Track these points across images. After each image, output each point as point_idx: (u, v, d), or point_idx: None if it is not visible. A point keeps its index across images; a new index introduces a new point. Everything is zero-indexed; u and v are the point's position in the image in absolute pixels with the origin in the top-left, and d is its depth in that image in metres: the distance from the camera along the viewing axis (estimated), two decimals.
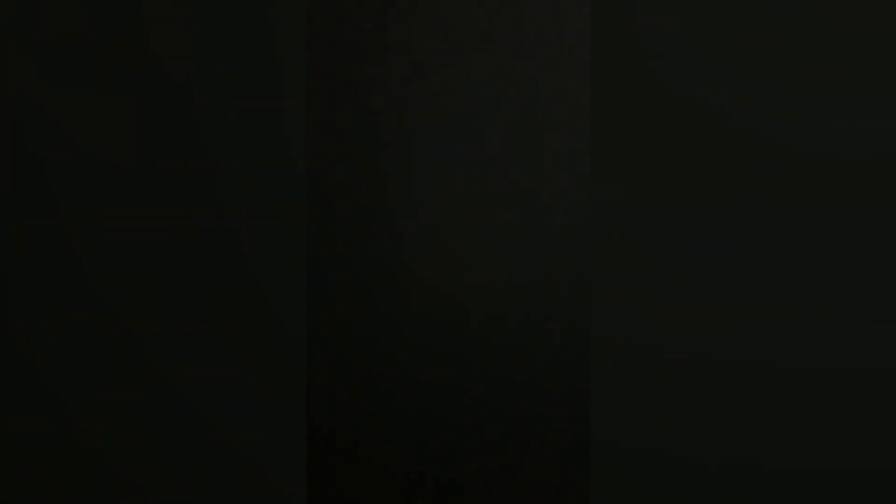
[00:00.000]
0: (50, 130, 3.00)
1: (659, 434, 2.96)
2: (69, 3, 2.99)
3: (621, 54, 2.99)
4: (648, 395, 2.97)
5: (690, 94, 2.98)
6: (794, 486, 2.95)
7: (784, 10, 2.97)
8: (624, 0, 2.99)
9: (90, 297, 3.01)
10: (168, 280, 3.00)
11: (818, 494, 2.94)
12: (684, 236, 2.97)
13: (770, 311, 2.96)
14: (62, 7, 2.99)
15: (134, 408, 3.00)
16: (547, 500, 3.02)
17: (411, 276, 3.03)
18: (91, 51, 3.00)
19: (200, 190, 3.00)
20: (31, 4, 2.99)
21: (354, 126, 3.06)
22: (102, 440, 3.00)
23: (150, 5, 3.01)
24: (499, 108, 3.03)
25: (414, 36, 3.06)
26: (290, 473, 3.00)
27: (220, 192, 2.99)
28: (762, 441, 2.96)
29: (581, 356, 3.02)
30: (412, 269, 3.04)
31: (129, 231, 3.01)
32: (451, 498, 3.03)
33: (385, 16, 3.06)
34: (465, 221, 3.03)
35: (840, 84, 2.96)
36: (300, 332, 3.01)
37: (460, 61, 3.05)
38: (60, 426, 3.00)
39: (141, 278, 3.00)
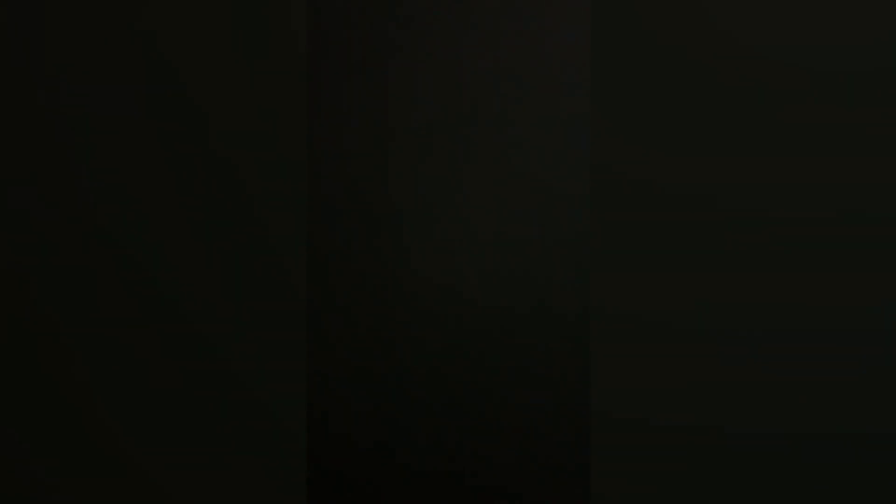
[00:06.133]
0: (49, 129, 3.00)
1: (659, 427, 2.97)
2: (68, 3, 2.99)
3: (621, 53, 3.00)
4: (649, 388, 2.97)
5: (691, 90, 2.99)
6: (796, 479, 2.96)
7: (787, 9, 2.98)
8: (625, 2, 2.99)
9: (90, 295, 3.01)
10: (168, 279, 3.01)
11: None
12: (684, 230, 2.98)
13: (771, 307, 2.97)
14: (61, 7, 3.00)
15: (133, 407, 3.00)
16: (547, 492, 3.02)
17: (411, 271, 3.04)
18: (91, 50, 3.00)
19: (200, 189, 3.00)
20: (32, 3, 3.00)
21: (354, 124, 3.06)
22: (101, 439, 3.00)
23: (150, 5, 3.02)
24: (499, 105, 3.04)
25: (416, 34, 3.06)
26: (290, 470, 3.01)
27: (219, 192, 3.00)
28: (765, 438, 2.96)
29: (581, 350, 3.02)
30: (412, 263, 3.04)
31: (127, 230, 3.01)
32: (452, 490, 3.04)
33: (386, 13, 3.06)
34: (467, 217, 3.04)
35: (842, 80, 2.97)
36: (300, 324, 3.01)
37: (460, 59, 3.06)
38: (58, 422, 3.00)
39: (140, 277, 3.01)
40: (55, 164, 3.00)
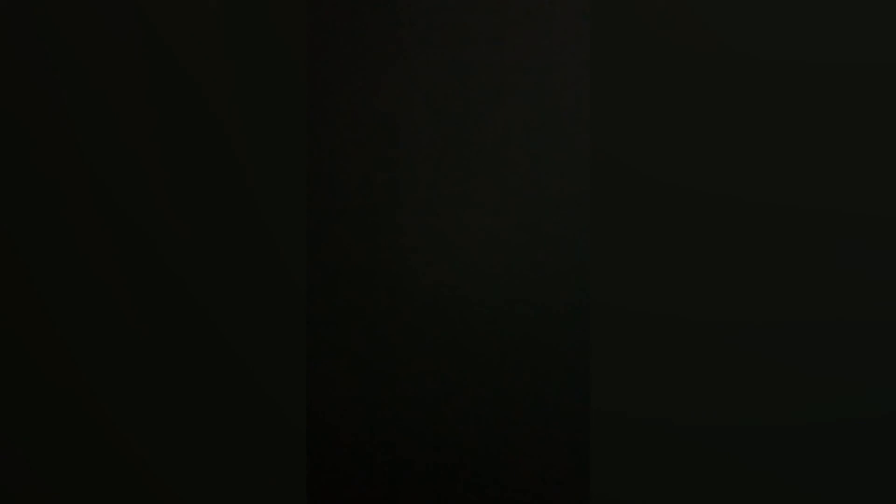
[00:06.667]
0: (48, 132, 3.01)
1: (660, 426, 2.97)
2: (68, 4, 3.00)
3: (621, 52, 2.99)
4: (649, 388, 2.97)
5: (691, 89, 2.98)
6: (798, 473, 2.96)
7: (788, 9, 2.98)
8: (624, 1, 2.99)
9: (89, 294, 3.01)
10: (168, 279, 3.01)
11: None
12: (684, 229, 2.98)
13: (772, 304, 2.96)
14: (60, 7, 3.00)
15: (133, 407, 3.00)
16: (547, 491, 3.02)
17: (411, 271, 3.04)
18: (91, 50, 3.00)
19: (200, 189, 3.00)
20: (34, 2, 3.00)
21: (354, 124, 3.06)
22: (101, 439, 3.00)
23: (150, 5, 3.02)
24: (499, 105, 3.04)
25: (416, 33, 3.06)
26: (290, 470, 3.01)
27: (219, 192, 3.00)
28: (767, 435, 2.96)
29: (581, 349, 3.02)
30: (412, 263, 3.04)
31: (127, 230, 3.01)
32: (451, 489, 3.04)
33: (387, 13, 3.06)
34: (467, 217, 3.04)
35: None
36: (300, 324, 3.01)
37: (460, 59, 3.06)
38: (57, 423, 3.01)
39: (140, 277, 3.01)
40: (55, 165, 3.01)
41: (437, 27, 3.06)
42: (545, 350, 3.02)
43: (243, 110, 3.02)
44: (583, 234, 3.02)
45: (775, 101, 2.97)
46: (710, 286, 2.97)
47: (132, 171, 3.02)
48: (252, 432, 3.00)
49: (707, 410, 2.96)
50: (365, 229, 3.05)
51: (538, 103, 3.04)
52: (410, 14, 3.06)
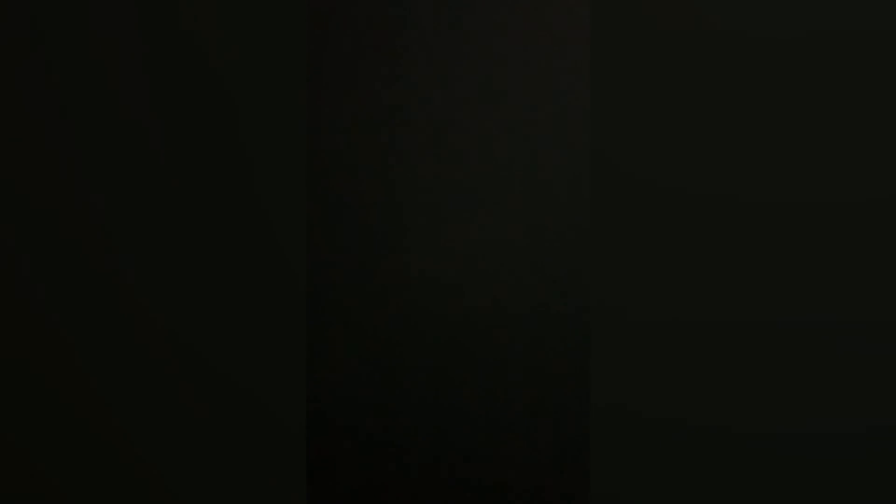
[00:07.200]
0: (43, 140, 3.01)
1: (660, 426, 2.97)
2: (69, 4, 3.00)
3: (621, 52, 3.00)
4: (650, 388, 2.97)
5: (691, 88, 2.99)
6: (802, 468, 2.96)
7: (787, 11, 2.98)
8: (624, 1, 2.99)
9: (89, 292, 3.01)
10: (169, 278, 3.01)
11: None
12: (684, 228, 2.98)
13: (772, 304, 2.96)
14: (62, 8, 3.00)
15: (132, 406, 3.00)
16: (547, 491, 3.02)
17: (411, 271, 3.04)
18: (90, 49, 3.01)
19: (200, 189, 3.00)
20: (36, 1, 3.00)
21: (354, 124, 3.06)
22: (100, 438, 3.00)
23: (150, 4, 3.02)
24: (500, 106, 3.04)
25: (416, 33, 3.06)
26: (290, 469, 3.01)
27: (219, 192, 3.00)
28: (767, 436, 2.96)
29: (581, 349, 3.02)
30: (412, 263, 3.04)
31: (127, 230, 3.01)
32: (451, 489, 3.04)
33: (386, 13, 3.06)
34: (467, 217, 3.04)
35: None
36: (300, 324, 3.01)
37: (461, 58, 3.06)
38: (56, 420, 3.01)
39: (140, 276, 3.01)
40: (52, 175, 3.01)
41: (437, 27, 3.06)
42: (545, 350, 3.02)
43: (243, 110, 3.02)
44: (583, 234, 3.03)
45: (778, 102, 2.97)
46: (709, 287, 2.97)
47: (131, 173, 3.02)
48: (252, 432, 3.00)
49: (707, 410, 2.96)
50: (365, 229, 3.05)
51: (538, 103, 3.04)
52: (410, 14, 3.06)
